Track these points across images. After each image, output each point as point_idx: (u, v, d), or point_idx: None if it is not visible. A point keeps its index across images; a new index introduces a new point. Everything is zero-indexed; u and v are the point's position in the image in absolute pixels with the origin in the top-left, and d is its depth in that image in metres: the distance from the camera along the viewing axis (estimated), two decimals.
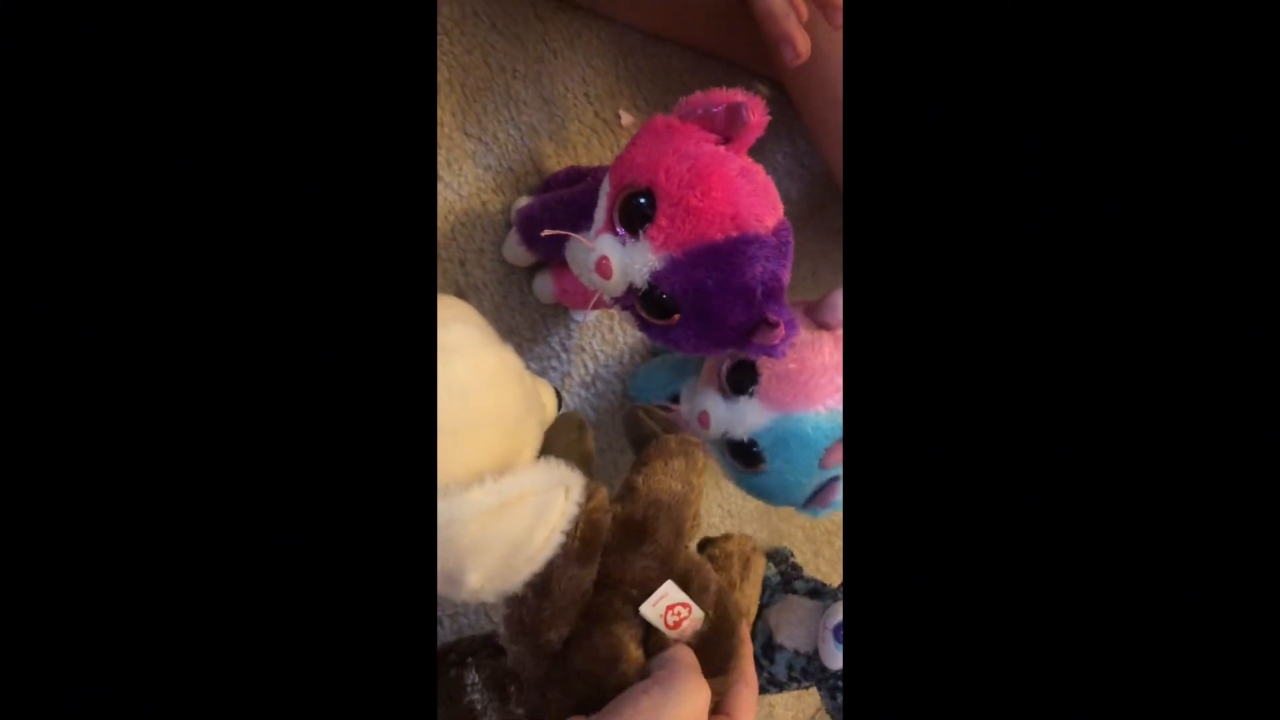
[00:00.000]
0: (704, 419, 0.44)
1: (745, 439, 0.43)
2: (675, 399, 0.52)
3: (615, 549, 0.31)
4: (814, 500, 0.44)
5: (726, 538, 0.41)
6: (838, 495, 0.44)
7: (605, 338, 0.53)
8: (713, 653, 0.33)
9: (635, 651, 0.31)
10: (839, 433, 0.42)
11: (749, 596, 0.40)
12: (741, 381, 0.43)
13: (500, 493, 0.26)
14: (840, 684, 0.48)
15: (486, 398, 0.28)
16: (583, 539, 0.29)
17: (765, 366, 0.42)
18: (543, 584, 0.29)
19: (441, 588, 0.27)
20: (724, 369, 0.44)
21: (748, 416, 0.42)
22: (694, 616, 0.33)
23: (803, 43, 0.42)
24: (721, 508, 0.61)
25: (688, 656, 0.31)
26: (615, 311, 0.53)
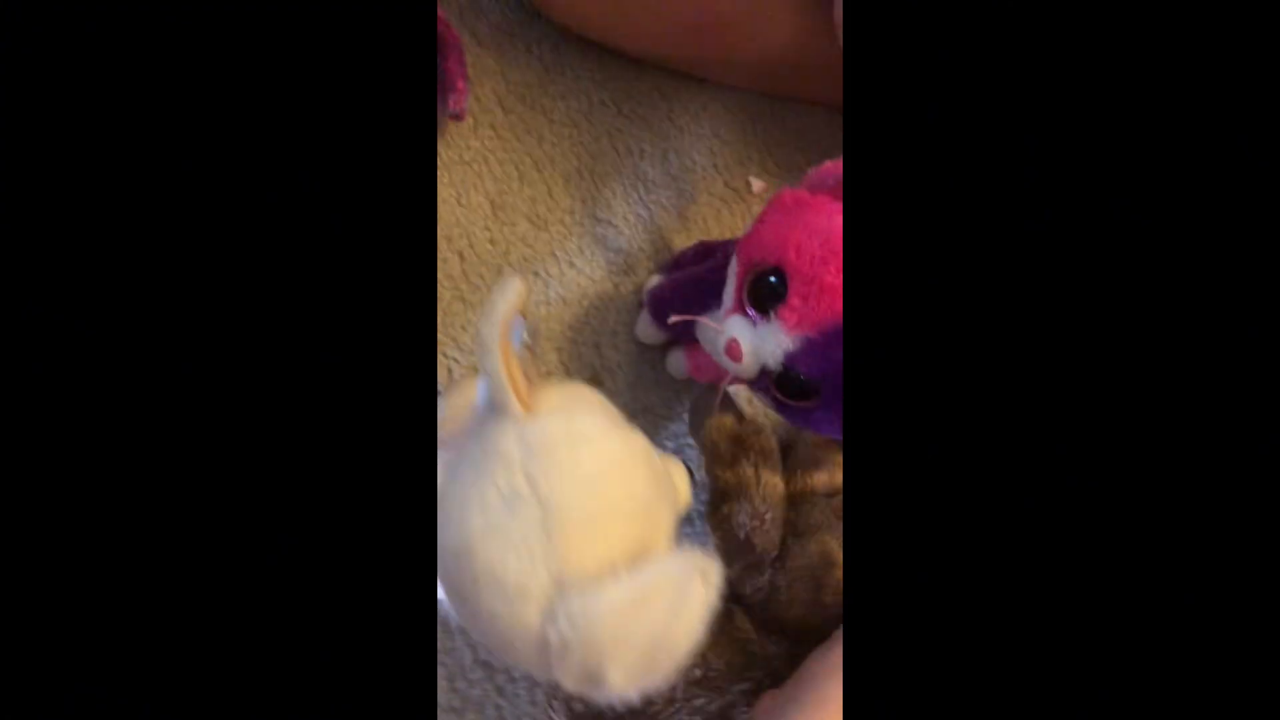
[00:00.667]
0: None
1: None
2: None
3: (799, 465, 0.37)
4: None
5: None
6: None
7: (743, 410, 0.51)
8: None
9: (839, 552, 0.34)
10: None
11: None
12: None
13: (635, 586, 0.24)
14: None
15: (614, 486, 0.27)
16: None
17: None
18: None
19: (582, 687, 0.26)
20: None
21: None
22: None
23: None
24: None
25: None
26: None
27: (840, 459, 0.38)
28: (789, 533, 0.36)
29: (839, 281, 0.31)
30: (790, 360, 0.33)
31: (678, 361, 0.48)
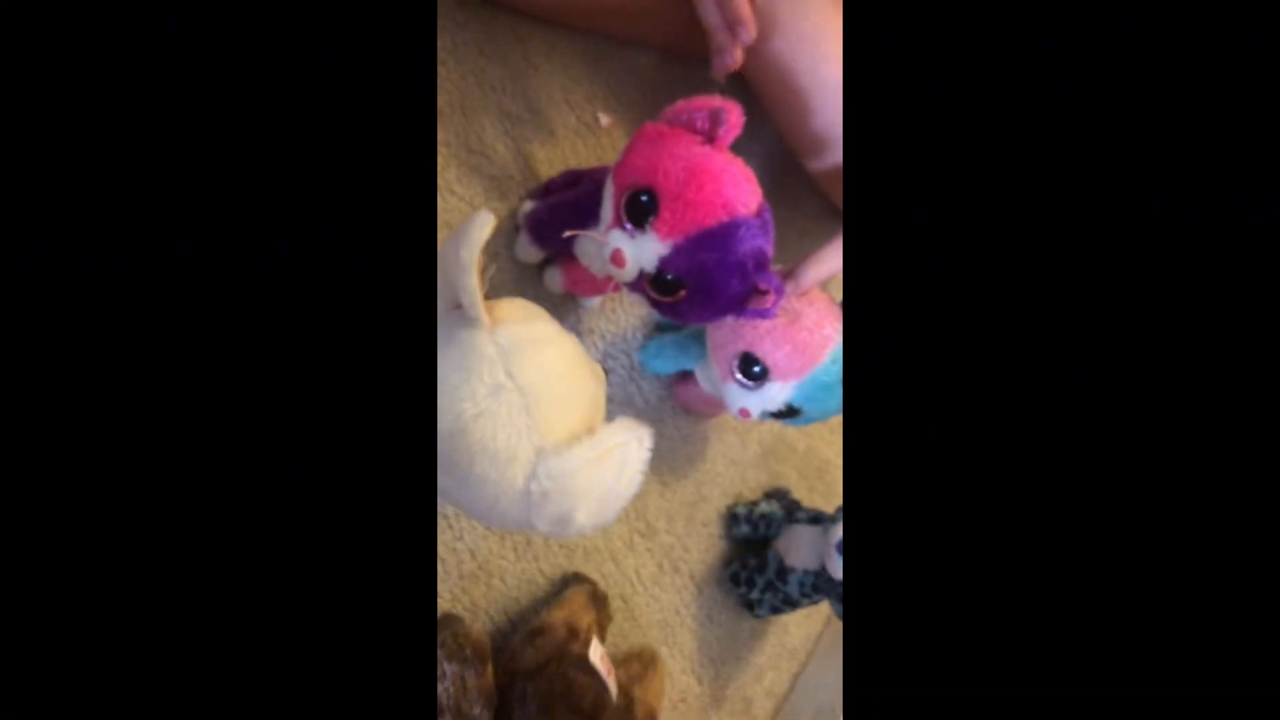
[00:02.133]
0: (744, 413, 0.50)
1: (785, 407, 0.49)
2: (685, 374, 0.59)
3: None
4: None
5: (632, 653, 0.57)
6: None
7: (610, 319, 0.60)
8: None
9: None
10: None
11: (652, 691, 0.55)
12: (754, 371, 0.49)
13: (594, 446, 0.32)
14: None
15: (573, 375, 0.35)
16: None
17: (770, 354, 0.48)
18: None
19: (553, 529, 0.34)
20: (735, 365, 0.49)
21: (777, 395, 0.49)
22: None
23: (734, 57, 0.49)
24: (725, 456, 0.68)
25: None
26: (615, 296, 0.59)
27: None
28: None
29: (698, 197, 0.40)
30: (664, 263, 0.41)
31: (555, 278, 0.55)
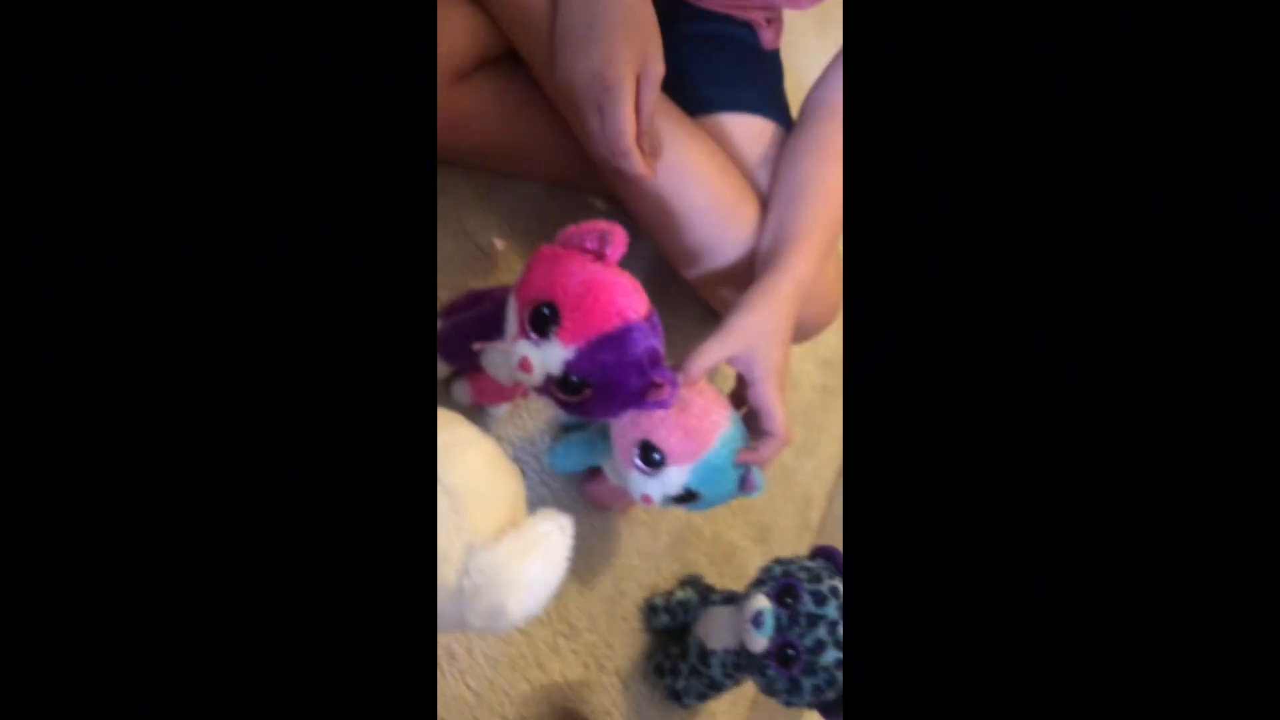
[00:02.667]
0: (646, 498, 0.54)
1: (682, 491, 0.54)
2: (593, 471, 0.62)
3: None
4: (744, 489, 0.56)
5: None
6: (757, 478, 0.55)
7: (517, 424, 0.63)
8: None
9: None
10: (740, 440, 0.54)
11: None
12: (653, 458, 0.53)
13: (521, 538, 0.35)
14: (766, 663, 0.59)
15: (495, 474, 0.38)
16: None
17: (666, 440, 0.52)
18: None
19: (486, 623, 0.35)
20: (635, 454, 0.53)
21: (674, 478, 0.53)
22: None
23: (641, 163, 0.56)
24: (638, 550, 0.71)
25: None
26: (522, 402, 0.63)
27: None
28: None
29: (595, 306, 0.45)
30: (568, 366, 0.46)
31: (462, 390, 0.58)
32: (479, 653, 0.56)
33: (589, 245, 0.47)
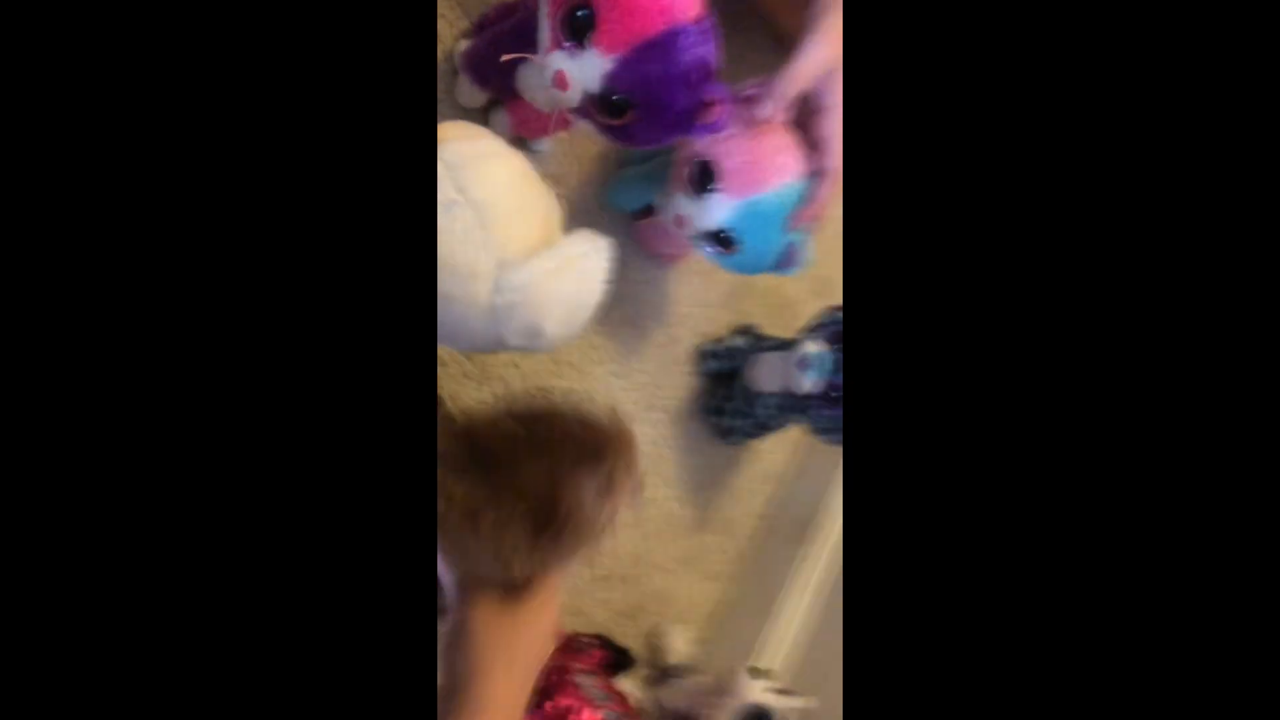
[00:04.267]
0: (680, 221, 0.51)
1: (717, 228, 0.50)
2: (649, 209, 0.59)
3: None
4: (782, 263, 0.53)
5: None
6: (801, 253, 0.53)
7: (569, 154, 0.59)
8: None
9: None
10: (798, 199, 0.50)
11: None
12: (704, 179, 0.49)
13: (554, 257, 0.33)
14: (812, 404, 0.60)
15: (524, 188, 0.35)
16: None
17: (723, 161, 0.48)
18: None
19: (524, 342, 0.35)
20: (688, 175, 0.50)
21: (716, 210, 0.50)
22: None
23: None
24: (692, 299, 0.70)
25: None
26: (566, 135, 0.58)
27: None
28: None
29: (637, 3, 0.39)
30: (608, 80, 0.41)
31: (501, 121, 0.54)
32: (531, 388, 0.59)
33: None
